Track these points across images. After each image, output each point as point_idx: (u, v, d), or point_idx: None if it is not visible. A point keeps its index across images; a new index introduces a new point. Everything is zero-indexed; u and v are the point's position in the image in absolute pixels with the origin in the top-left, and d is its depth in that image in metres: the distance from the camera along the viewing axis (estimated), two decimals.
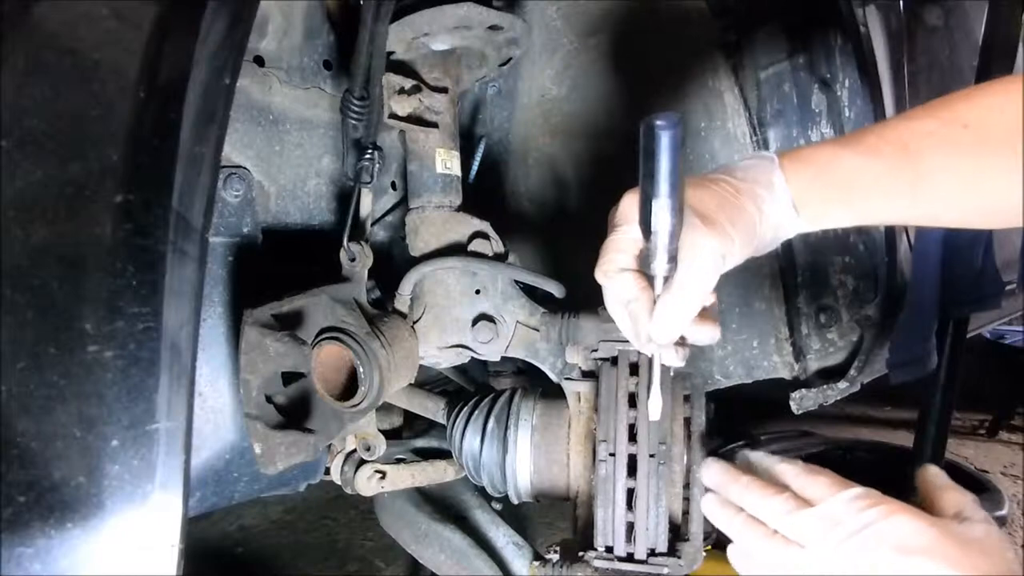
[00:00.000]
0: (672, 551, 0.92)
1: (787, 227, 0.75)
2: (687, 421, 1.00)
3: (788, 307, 1.38)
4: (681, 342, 0.79)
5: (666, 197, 0.63)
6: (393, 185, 1.33)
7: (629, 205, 0.73)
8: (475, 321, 1.11)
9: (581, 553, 0.95)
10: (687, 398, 1.01)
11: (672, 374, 0.98)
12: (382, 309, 1.10)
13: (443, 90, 1.14)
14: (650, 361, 0.77)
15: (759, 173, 0.73)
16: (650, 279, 0.72)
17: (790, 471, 0.76)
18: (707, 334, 0.77)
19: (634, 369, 0.97)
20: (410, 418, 1.44)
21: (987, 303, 1.34)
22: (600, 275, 0.76)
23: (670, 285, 0.70)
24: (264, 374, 0.96)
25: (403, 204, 1.27)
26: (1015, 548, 0.67)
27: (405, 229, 1.17)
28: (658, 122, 0.60)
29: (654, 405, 0.80)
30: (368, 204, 1.13)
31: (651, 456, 0.92)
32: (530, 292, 1.13)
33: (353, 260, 1.06)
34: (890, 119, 0.79)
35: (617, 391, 0.95)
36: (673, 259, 0.68)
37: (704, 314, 0.77)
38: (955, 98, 0.71)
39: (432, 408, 1.26)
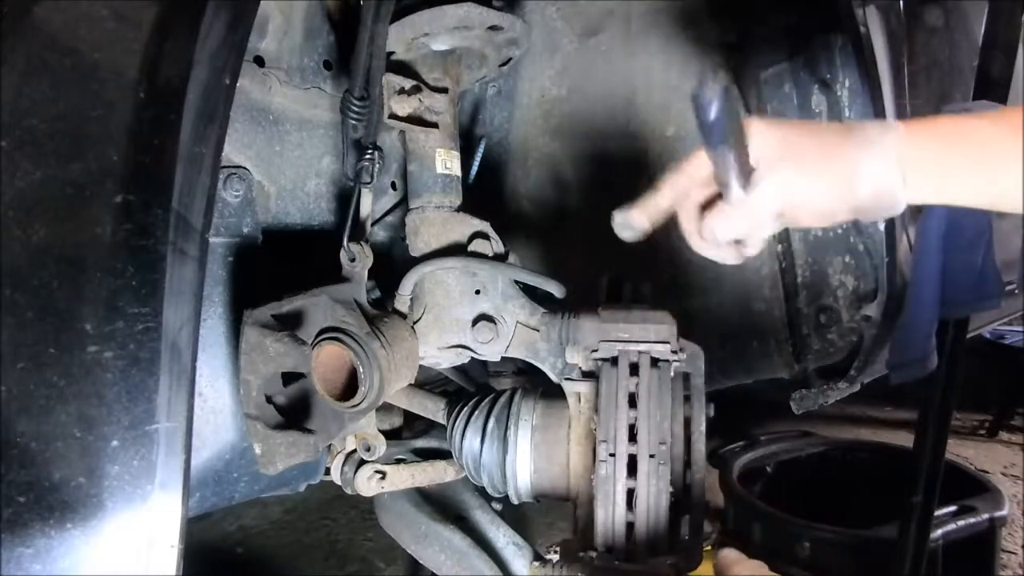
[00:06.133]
0: (672, 551, 0.92)
1: (893, 195, 0.72)
2: (687, 421, 1.00)
3: (788, 307, 1.38)
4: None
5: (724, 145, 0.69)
6: (393, 185, 1.33)
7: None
8: (475, 321, 1.11)
9: (581, 553, 0.95)
10: (687, 398, 1.01)
11: (672, 375, 0.99)
12: (382, 309, 1.10)
13: (443, 90, 1.14)
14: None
15: (874, 133, 0.72)
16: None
17: None
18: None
19: (634, 369, 0.97)
20: (410, 418, 1.44)
21: (987, 303, 1.34)
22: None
23: (733, 199, 0.73)
24: (264, 374, 0.96)
25: (403, 204, 1.26)
26: None
27: (405, 229, 1.17)
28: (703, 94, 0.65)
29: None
30: (368, 204, 1.13)
31: (651, 456, 0.92)
32: (530, 292, 1.13)
33: (353, 260, 1.06)
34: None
35: (617, 391, 0.95)
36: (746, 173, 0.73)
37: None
38: None
39: (432, 408, 1.26)
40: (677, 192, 0.79)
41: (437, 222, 1.13)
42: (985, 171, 0.70)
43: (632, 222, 0.80)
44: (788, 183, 0.72)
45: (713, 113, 0.65)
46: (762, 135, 0.73)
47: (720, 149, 0.69)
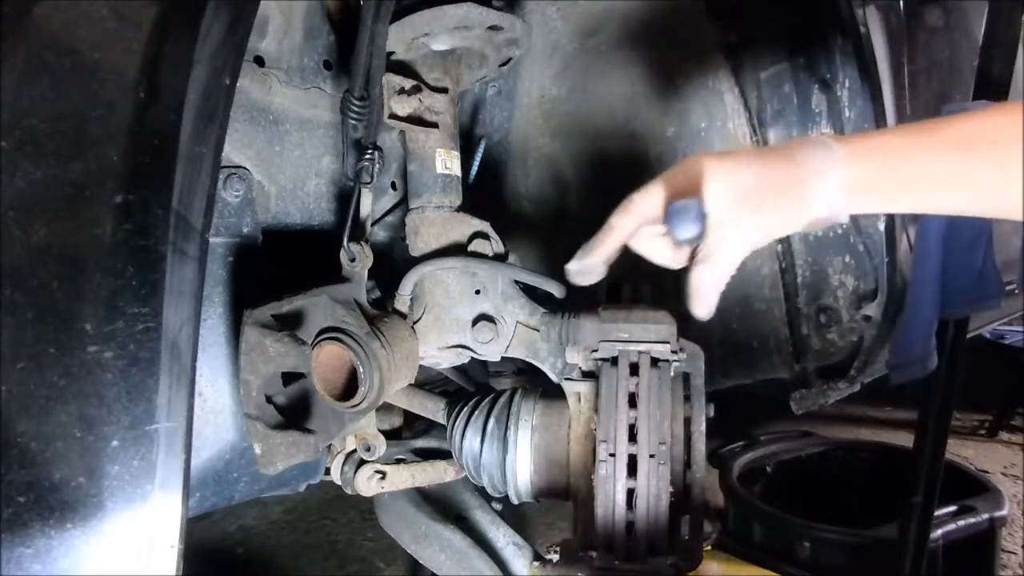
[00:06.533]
0: (672, 551, 0.92)
1: (835, 214, 0.74)
2: (687, 421, 1.00)
3: (788, 307, 1.38)
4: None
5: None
6: (393, 185, 1.33)
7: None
8: (475, 321, 1.11)
9: (581, 553, 0.95)
10: (687, 398, 1.01)
11: (672, 375, 0.99)
12: (382, 309, 1.10)
13: (443, 90, 1.14)
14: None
15: (819, 161, 0.73)
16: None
17: None
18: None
19: (634, 369, 0.97)
20: (410, 418, 1.44)
21: (987, 303, 1.34)
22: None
23: (704, 259, 0.76)
24: (264, 374, 0.96)
25: (403, 204, 1.27)
26: None
27: (405, 229, 1.17)
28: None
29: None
30: (368, 204, 1.13)
31: (651, 456, 0.92)
32: (530, 292, 1.13)
33: (353, 260, 1.06)
34: (954, 116, 0.76)
35: (617, 391, 0.95)
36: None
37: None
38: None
39: (432, 408, 1.26)
40: (628, 233, 0.81)
41: (437, 222, 1.13)
42: (925, 190, 0.72)
43: (590, 268, 0.83)
44: (746, 227, 0.74)
45: (693, 235, 0.72)
46: (716, 178, 0.74)
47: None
